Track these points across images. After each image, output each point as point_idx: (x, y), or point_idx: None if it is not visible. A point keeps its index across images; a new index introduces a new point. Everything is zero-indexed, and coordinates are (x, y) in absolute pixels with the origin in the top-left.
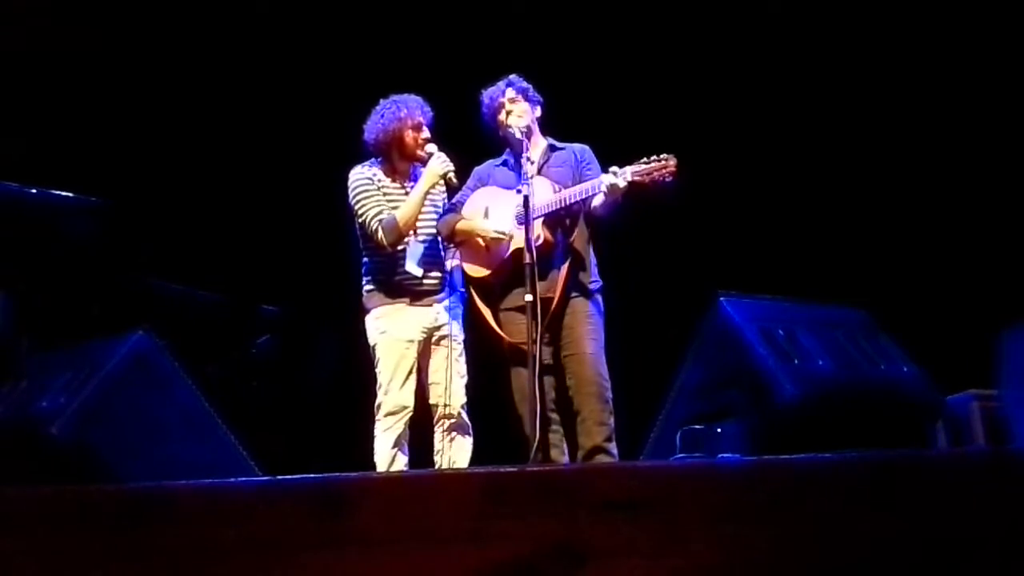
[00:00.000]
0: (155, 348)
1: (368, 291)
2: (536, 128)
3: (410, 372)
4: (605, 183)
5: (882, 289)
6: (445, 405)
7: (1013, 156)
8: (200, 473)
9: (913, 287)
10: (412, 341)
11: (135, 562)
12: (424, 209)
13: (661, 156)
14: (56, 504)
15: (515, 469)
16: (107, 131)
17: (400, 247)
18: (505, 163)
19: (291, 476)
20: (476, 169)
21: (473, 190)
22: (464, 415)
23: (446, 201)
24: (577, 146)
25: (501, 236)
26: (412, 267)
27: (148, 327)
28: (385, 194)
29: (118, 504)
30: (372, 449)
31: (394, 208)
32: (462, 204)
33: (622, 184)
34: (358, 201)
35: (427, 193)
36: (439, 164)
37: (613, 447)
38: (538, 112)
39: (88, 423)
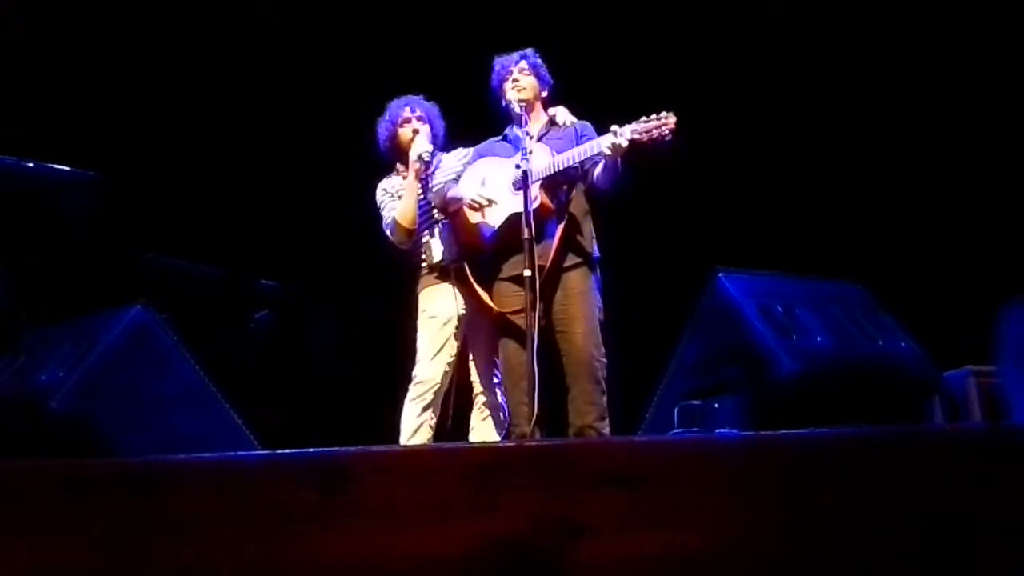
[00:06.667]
0: (154, 322)
1: (420, 275)
2: (539, 106)
3: (443, 347)
4: (605, 143)
5: (880, 265)
6: (478, 382)
7: (1010, 132)
8: (199, 447)
9: (911, 263)
10: (452, 318)
11: (137, 536)
12: (423, 195)
13: (660, 114)
14: (58, 478)
15: (514, 444)
16: (104, 104)
17: (420, 241)
18: (505, 137)
19: (291, 450)
20: (476, 147)
21: (472, 164)
22: (499, 393)
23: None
24: (579, 122)
25: (492, 201)
26: (436, 254)
27: (147, 301)
28: (402, 197)
29: (120, 478)
30: (373, 423)
31: None
32: (460, 177)
33: (623, 143)
34: (381, 213)
35: (415, 181)
36: (414, 149)
37: (604, 425)
38: (545, 93)
39: (87, 397)
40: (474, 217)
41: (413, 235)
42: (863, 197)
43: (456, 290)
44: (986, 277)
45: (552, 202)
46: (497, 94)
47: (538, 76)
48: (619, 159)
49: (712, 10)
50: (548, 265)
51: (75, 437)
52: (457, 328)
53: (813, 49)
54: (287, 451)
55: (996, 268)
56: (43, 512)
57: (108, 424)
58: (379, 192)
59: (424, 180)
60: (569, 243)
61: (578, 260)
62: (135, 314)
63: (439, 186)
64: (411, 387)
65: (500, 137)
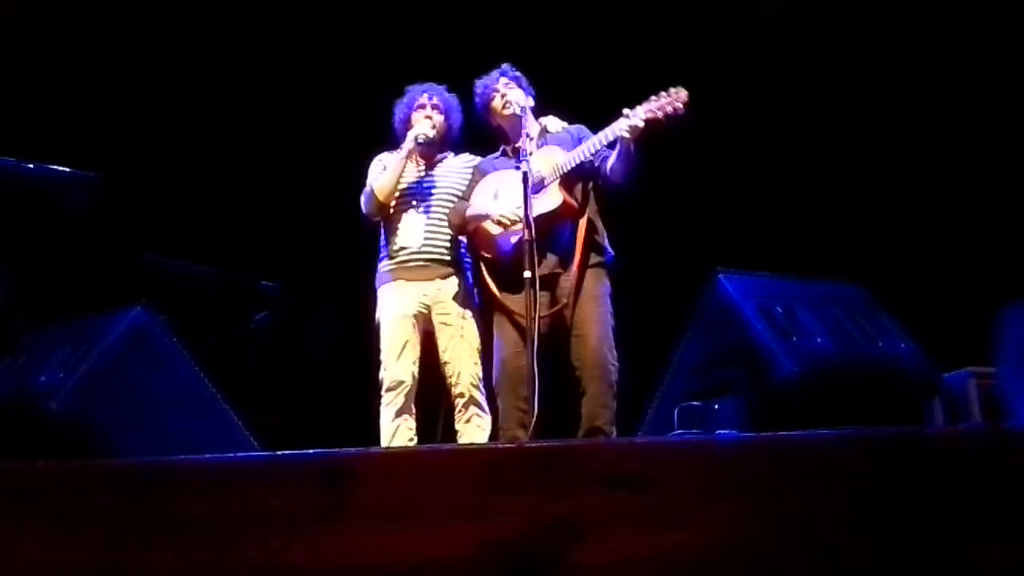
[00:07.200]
0: (154, 323)
1: (378, 271)
2: (530, 113)
3: (405, 346)
4: (622, 126)
5: (880, 266)
6: (455, 384)
7: (1009, 134)
8: (199, 448)
9: (911, 264)
10: (407, 316)
11: (137, 536)
12: (418, 179)
13: (670, 89)
14: (62, 479)
15: (514, 445)
16: (105, 105)
17: (396, 221)
18: (503, 152)
19: (291, 452)
20: (477, 166)
21: (478, 182)
22: (476, 393)
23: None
24: (572, 126)
25: (515, 218)
26: (405, 239)
27: (147, 302)
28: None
29: (120, 478)
30: (372, 424)
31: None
32: (464, 195)
33: (640, 123)
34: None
35: (405, 160)
36: (414, 129)
37: (613, 430)
38: (530, 102)
39: (87, 398)
40: (495, 229)
41: (385, 210)
42: (863, 199)
43: (412, 284)
44: (986, 279)
45: (575, 200)
46: (484, 115)
47: (521, 87)
48: (633, 144)
49: (712, 10)
50: (575, 265)
51: (74, 438)
52: (415, 324)
53: (813, 50)
54: (287, 452)
55: (996, 270)
56: (43, 512)
57: (108, 425)
58: (374, 161)
59: (422, 172)
60: (589, 243)
61: (598, 259)
62: (135, 315)
63: (439, 178)
64: (383, 394)
65: (498, 153)
